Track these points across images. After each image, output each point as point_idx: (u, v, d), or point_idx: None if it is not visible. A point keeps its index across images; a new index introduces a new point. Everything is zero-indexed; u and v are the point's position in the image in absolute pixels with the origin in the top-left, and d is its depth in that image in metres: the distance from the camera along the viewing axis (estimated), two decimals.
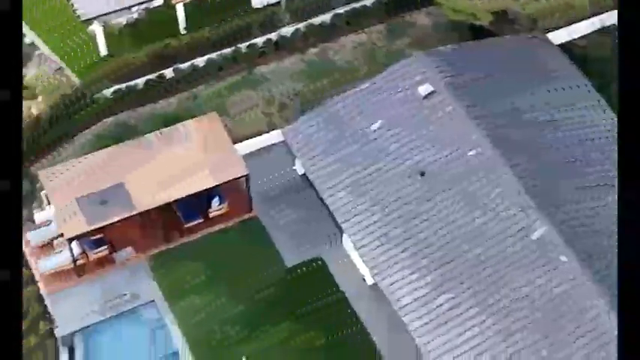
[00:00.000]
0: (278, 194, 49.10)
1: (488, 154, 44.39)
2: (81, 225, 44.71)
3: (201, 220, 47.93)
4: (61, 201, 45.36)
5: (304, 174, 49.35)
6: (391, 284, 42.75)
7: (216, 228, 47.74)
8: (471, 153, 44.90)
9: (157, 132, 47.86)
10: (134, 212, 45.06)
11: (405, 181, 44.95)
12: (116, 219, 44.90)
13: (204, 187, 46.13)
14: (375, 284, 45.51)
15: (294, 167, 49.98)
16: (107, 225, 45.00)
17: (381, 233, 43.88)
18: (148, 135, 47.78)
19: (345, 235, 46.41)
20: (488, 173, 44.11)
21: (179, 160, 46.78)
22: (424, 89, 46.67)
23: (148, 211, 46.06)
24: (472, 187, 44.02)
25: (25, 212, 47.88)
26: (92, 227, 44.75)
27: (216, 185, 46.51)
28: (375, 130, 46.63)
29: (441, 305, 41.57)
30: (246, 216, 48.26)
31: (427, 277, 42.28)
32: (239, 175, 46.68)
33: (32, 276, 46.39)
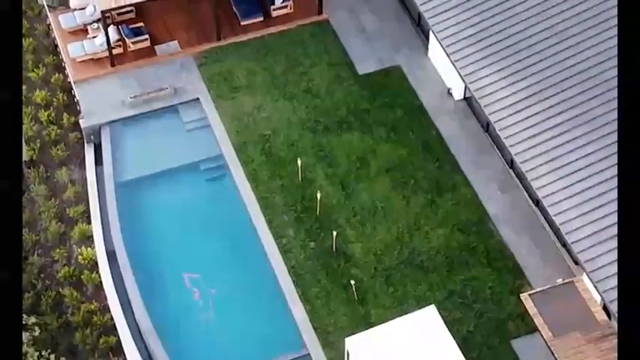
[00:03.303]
0: None
1: None
2: None
3: (260, 19, 40.71)
4: None
5: None
6: (482, 88, 35.22)
7: (278, 29, 40.66)
8: None
9: None
10: None
11: None
12: None
13: None
14: (461, 100, 38.50)
15: None
16: (149, 3, 38.24)
17: (474, 32, 36.11)
18: None
19: (431, 43, 39.20)
20: None
21: None
22: None
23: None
24: None
25: None
26: (130, 1, 37.94)
27: None
28: None
29: (536, 114, 34.14)
30: (315, 19, 40.85)
31: (522, 82, 34.70)
32: None
33: (60, 62, 39.93)
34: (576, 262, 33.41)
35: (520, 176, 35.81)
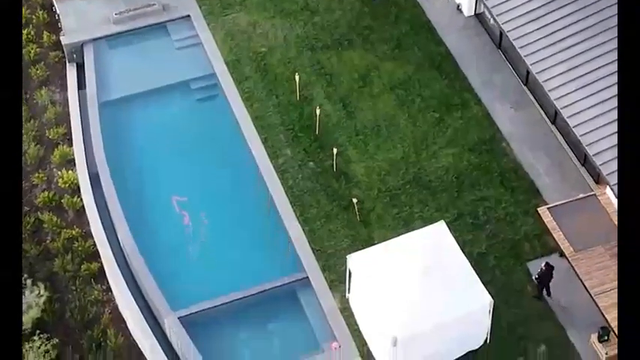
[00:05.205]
0: None
1: None
2: None
3: None
4: None
5: None
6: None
7: None
8: None
9: None
10: None
11: None
12: None
13: None
14: (471, 16, 35.99)
15: None
16: None
17: None
18: None
19: None
20: None
21: None
22: None
23: None
24: None
25: None
26: None
27: None
28: None
29: (551, 23, 31.59)
30: None
31: None
32: None
33: None
34: (597, 181, 30.98)
35: (535, 92, 33.27)
